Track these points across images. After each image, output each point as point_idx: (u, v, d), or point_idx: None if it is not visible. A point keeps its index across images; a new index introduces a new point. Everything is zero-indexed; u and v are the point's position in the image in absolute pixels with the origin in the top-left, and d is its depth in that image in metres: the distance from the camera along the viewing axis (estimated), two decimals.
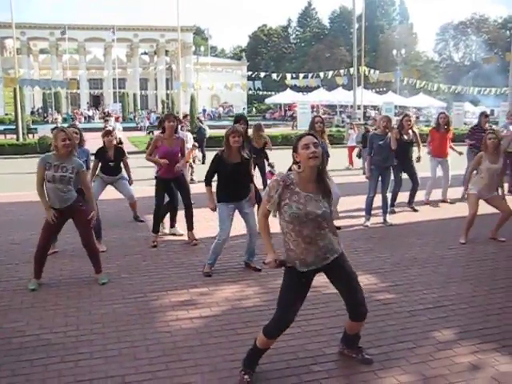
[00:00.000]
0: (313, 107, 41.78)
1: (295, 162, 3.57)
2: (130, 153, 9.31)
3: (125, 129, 30.95)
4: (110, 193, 9.00)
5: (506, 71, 22.44)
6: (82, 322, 4.73)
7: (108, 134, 7.96)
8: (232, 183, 5.92)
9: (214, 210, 6.06)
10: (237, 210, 6.07)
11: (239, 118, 7.71)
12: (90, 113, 53.17)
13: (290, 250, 3.59)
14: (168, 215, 7.73)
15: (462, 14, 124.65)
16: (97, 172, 8.04)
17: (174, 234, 7.70)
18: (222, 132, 6.49)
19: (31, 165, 5.62)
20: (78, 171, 5.50)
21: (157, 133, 7.65)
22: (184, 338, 4.39)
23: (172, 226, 7.80)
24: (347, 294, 3.75)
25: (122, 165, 8.22)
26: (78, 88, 58.47)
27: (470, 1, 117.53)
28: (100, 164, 7.98)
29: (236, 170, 5.86)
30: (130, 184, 8.44)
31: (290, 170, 3.90)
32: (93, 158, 7.69)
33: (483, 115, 10.92)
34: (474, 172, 7.39)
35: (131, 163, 8.92)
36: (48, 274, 5.86)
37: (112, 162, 8.00)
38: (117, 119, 27.96)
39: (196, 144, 14.42)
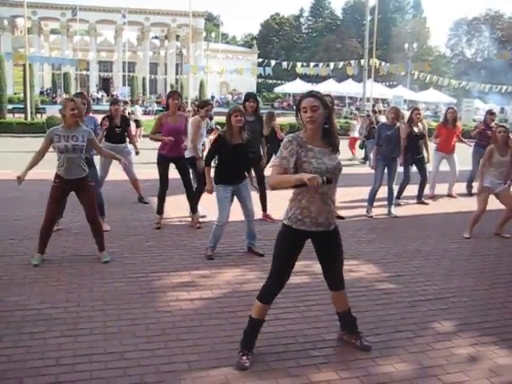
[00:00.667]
0: None
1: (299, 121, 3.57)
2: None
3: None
4: (115, 174, 9.04)
5: None
6: (83, 298, 4.75)
7: (115, 103, 8.31)
8: (232, 165, 5.90)
9: (210, 192, 6.08)
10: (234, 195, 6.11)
11: (249, 97, 7.54)
12: (99, 95, 53.08)
13: (303, 209, 3.55)
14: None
15: (477, 9, 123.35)
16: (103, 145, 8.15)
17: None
18: None
19: (39, 144, 5.63)
20: (89, 138, 5.57)
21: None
22: (184, 319, 4.41)
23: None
24: (331, 266, 3.88)
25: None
26: (87, 69, 58.54)
27: None
28: (106, 133, 8.11)
29: (237, 152, 5.85)
30: (137, 154, 8.65)
31: None
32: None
33: (489, 113, 10.86)
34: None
35: (139, 146, 8.96)
36: (51, 251, 5.87)
37: (118, 127, 8.28)
38: (136, 101, 27.89)
39: (218, 127, 14.31)
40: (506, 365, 3.81)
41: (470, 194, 10.37)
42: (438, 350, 4.01)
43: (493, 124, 10.44)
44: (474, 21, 77.51)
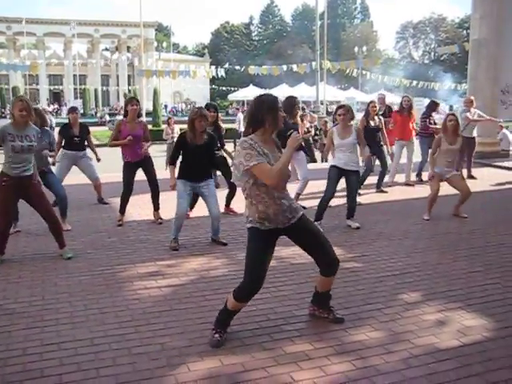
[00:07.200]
0: None
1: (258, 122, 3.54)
2: None
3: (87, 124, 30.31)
4: (73, 178, 8.88)
5: (464, 70, 22.90)
6: (48, 292, 4.63)
7: (73, 110, 8.04)
8: (193, 163, 5.96)
9: (173, 187, 6.12)
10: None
11: (208, 107, 7.64)
12: (50, 108, 52.01)
13: (260, 212, 3.55)
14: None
15: (421, 13, 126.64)
16: (61, 153, 8.01)
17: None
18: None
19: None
20: (38, 137, 5.52)
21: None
22: (153, 305, 4.35)
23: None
24: (316, 250, 3.77)
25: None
26: (37, 83, 57.24)
27: (429, 1, 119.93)
28: (64, 140, 7.96)
29: (198, 152, 5.91)
30: (98, 161, 8.45)
31: None
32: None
33: (434, 103, 11.14)
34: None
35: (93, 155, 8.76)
36: (11, 251, 5.70)
37: (77, 137, 8.04)
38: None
39: None
40: (473, 326, 3.91)
41: (421, 180, 10.62)
42: (408, 317, 4.08)
43: (433, 114, 10.82)
44: (419, 24, 79.71)
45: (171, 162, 6.22)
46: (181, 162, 6.11)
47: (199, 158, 5.95)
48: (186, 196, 6.06)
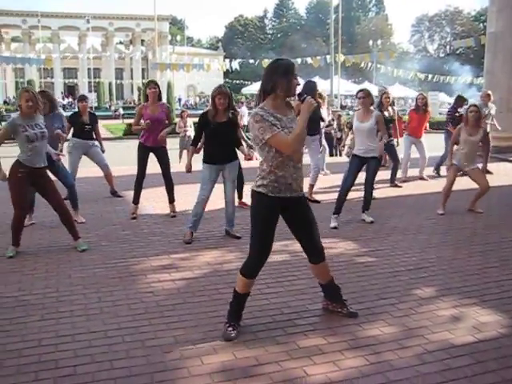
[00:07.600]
0: None
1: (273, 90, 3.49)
2: (106, 139, 9.16)
3: (101, 117, 30.47)
4: (86, 171, 8.93)
5: (480, 63, 22.61)
6: (62, 284, 4.66)
7: (83, 99, 8.02)
8: (217, 142, 5.91)
9: (187, 171, 6.16)
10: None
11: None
12: (65, 102, 52.29)
13: (279, 177, 3.53)
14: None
15: (437, 6, 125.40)
16: (70, 142, 8.00)
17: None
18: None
19: (2, 149, 5.50)
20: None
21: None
22: (166, 298, 4.36)
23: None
24: (308, 236, 3.79)
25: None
26: (52, 77, 57.46)
27: None
28: (74, 129, 7.98)
29: (221, 129, 5.86)
30: (103, 152, 8.40)
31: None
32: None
33: (460, 98, 11.00)
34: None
35: (107, 149, 8.79)
36: (26, 243, 5.74)
37: (88, 125, 8.02)
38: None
39: None
40: (488, 322, 3.87)
41: (438, 175, 10.54)
42: (422, 313, 4.05)
43: (460, 109, 10.68)
44: (434, 17, 78.97)
45: (193, 142, 6.23)
46: (204, 145, 6.07)
47: (222, 136, 5.91)
48: (210, 183, 6.01)
